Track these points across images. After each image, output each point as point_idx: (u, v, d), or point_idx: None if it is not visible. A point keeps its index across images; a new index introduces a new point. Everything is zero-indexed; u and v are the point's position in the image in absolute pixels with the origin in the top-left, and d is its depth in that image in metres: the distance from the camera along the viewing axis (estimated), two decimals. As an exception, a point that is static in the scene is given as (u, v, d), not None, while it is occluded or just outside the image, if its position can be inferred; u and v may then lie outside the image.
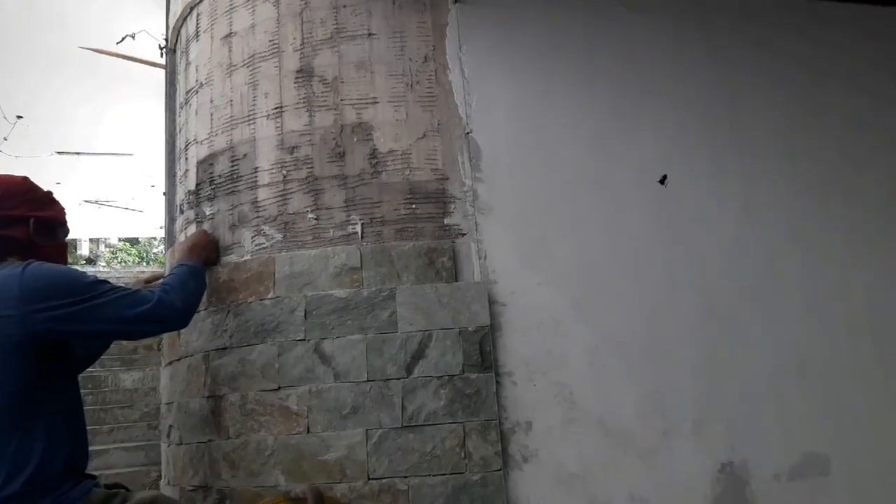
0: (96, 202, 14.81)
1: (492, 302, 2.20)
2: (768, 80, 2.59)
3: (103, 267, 18.44)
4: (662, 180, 2.39)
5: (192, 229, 2.50)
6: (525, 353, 2.20)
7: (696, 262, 2.36)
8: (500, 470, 2.08)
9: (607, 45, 2.50)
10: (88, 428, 5.43)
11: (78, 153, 12.09)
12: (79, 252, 19.85)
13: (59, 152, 11.73)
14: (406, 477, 2.04)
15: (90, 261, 20.22)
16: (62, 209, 1.87)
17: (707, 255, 2.37)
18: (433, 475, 2.05)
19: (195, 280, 2.01)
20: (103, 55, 8.75)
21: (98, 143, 12.04)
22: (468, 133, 2.33)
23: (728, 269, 2.38)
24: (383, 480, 2.04)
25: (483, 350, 2.14)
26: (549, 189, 2.33)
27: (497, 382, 2.15)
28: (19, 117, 10.61)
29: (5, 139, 10.89)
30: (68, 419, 1.61)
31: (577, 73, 2.46)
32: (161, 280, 2.05)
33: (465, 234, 2.26)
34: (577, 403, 2.19)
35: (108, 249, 22.10)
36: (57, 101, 10.32)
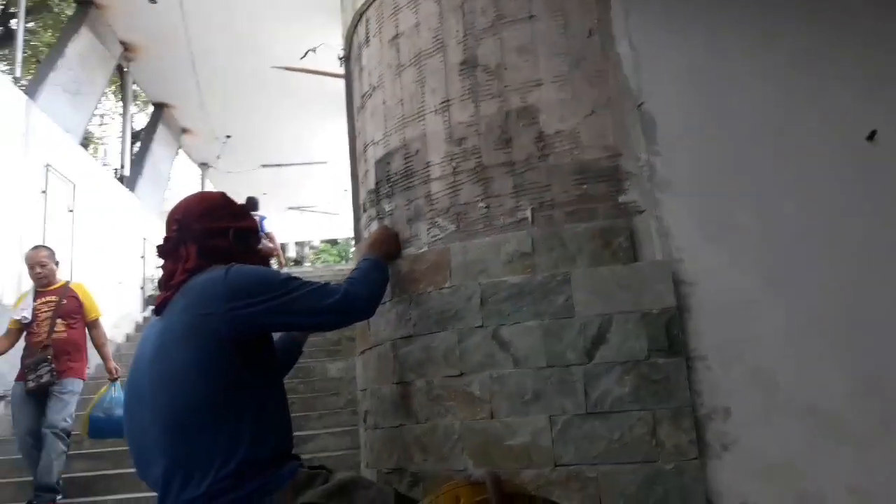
0: (299, 208, 16.21)
1: (678, 282, 2.08)
2: None
3: (309, 266, 20.12)
4: (871, 136, 2.11)
5: (375, 226, 2.63)
6: (718, 335, 2.05)
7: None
8: (696, 459, 1.96)
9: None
10: (302, 414, 5.91)
11: (279, 165, 13.29)
12: (287, 254, 21.84)
13: (263, 165, 12.97)
14: (595, 464, 1.99)
15: (297, 262, 22.17)
16: (254, 220, 2.06)
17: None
18: (623, 463, 1.98)
19: (377, 272, 2.10)
20: (293, 72, 9.52)
21: (297, 155, 13.13)
22: (641, 105, 2.21)
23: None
24: (570, 467, 2.01)
25: (670, 333, 2.03)
26: (733, 157, 2.15)
27: (688, 367, 2.02)
28: (228, 137, 11.88)
29: (218, 157, 12.25)
30: (273, 408, 1.75)
31: (754, 29, 2.23)
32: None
33: (642, 212, 2.15)
34: (779, 388, 2.00)
35: (311, 251, 24.08)
36: (257, 118, 11.40)
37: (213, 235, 1.87)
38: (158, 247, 1.90)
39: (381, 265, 2.17)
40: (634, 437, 1.98)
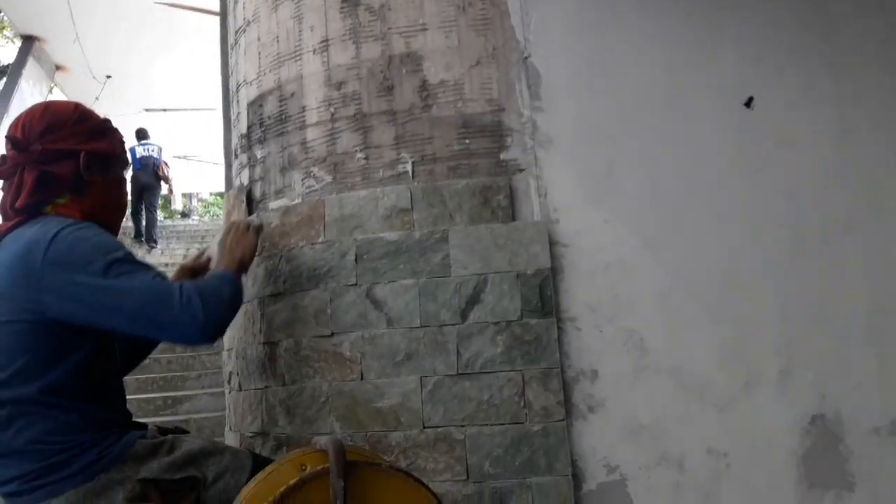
0: (185, 157, 15.36)
1: (553, 243, 2.04)
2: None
3: (196, 220, 19.23)
4: (748, 103, 2.13)
5: (246, 174, 2.45)
6: (590, 297, 2.04)
7: (783, 193, 2.10)
8: (562, 420, 1.95)
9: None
10: (179, 374, 5.64)
11: (165, 110, 12.50)
12: (173, 207, 20.76)
13: (146, 110, 12.14)
14: (462, 426, 1.95)
15: (184, 214, 21.12)
16: (118, 140, 1.67)
17: (796, 185, 2.11)
18: (491, 424, 1.95)
19: (231, 290, 1.66)
20: (181, 10, 8.88)
21: (184, 100, 12.38)
22: (526, 58, 2.13)
23: (820, 199, 2.10)
24: (439, 429, 1.95)
25: (543, 294, 1.99)
26: (617, 117, 2.12)
27: (559, 328, 2.00)
28: (108, 77, 11.03)
29: (97, 99, 11.35)
30: (102, 399, 1.52)
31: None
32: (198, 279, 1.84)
33: (523, 170, 2.09)
34: (648, 351, 2.02)
35: (200, 203, 23.00)
36: (141, 58, 10.62)
37: (56, 159, 1.53)
38: None
39: (237, 283, 1.71)
40: (504, 398, 1.95)
